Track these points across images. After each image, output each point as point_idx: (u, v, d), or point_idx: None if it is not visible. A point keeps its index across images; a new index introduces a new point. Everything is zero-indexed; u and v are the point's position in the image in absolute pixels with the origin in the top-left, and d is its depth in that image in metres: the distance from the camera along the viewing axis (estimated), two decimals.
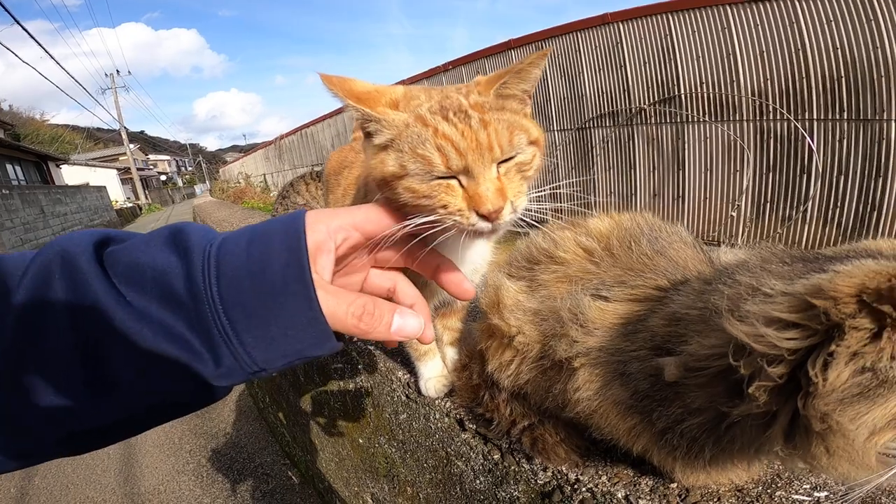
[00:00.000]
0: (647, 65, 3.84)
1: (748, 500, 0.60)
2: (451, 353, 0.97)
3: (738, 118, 3.50)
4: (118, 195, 25.77)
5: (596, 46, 4.10)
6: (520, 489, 0.75)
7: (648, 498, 0.63)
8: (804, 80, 3.21)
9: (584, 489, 0.67)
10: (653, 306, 0.53)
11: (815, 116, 3.23)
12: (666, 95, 3.78)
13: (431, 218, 0.46)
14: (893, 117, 2.92)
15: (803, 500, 0.59)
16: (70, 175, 22.60)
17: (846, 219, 3.23)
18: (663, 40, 3.71)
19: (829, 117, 3.18)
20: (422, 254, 0.46)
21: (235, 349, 0.32)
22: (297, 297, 0.32)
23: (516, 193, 0.49)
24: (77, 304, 0.30)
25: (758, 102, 3.43)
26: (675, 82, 3.72)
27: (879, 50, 2.89)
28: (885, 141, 2.97)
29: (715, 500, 0.61)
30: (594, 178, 4.38)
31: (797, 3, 3.12)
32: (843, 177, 3.19)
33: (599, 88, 4.17)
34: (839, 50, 3.04)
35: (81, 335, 0.30)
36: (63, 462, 2.55)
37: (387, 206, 0.45)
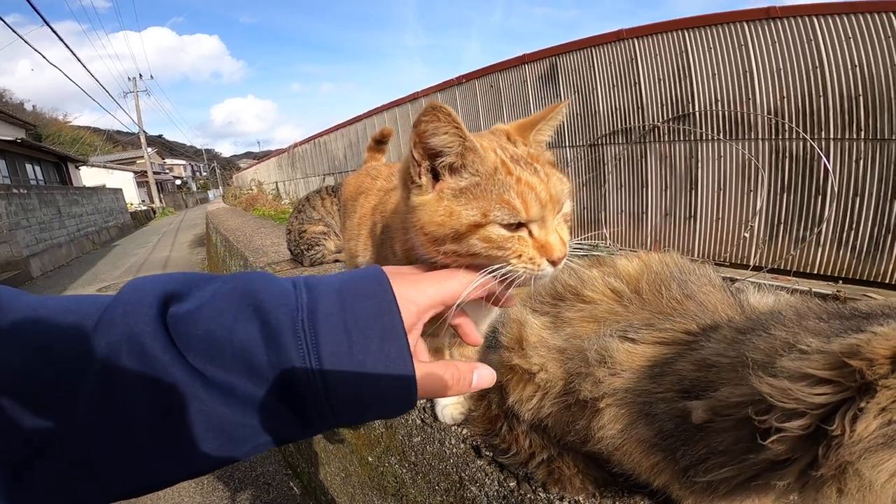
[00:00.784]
0: (662, 81, 3.83)
1: None
2: None
3: (753, 137, 3.48)
4: (133, 198, 26.18)
5: (610, 62, 4.11)
6: None
7: None
8: (821, 99, 3.18)
9: None
10: (681, 350, 0.53)
11: (831, 136, 3.19)
12: (680, 113, 3.76)
13: (507, 268, 0.46)
14: None
15: None
16: (88, 176, 22.99)
17: (860, 242, 3.17)
18: (678, 57, 3.71)
19: (846, 136, 3.14)
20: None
21: (329, 422, 0.33)
22: (399, 390, 0.34)
23: (568, 240, 0.51)
24: (154, 386, 0.29)
25: (774, 121, 3.40)
26: (690, 100, 3.70)
27: None
28: None
29: None
30: (605, 196, 4.35)
31: (815, 20, 3.10)
32: (858, 198, 3.15)
33: (613, 105, 4.17)
34: (857, 67, 3.01)
35: (158, 410, 0.29)
36: None
37: (453, 262, 0.46)
